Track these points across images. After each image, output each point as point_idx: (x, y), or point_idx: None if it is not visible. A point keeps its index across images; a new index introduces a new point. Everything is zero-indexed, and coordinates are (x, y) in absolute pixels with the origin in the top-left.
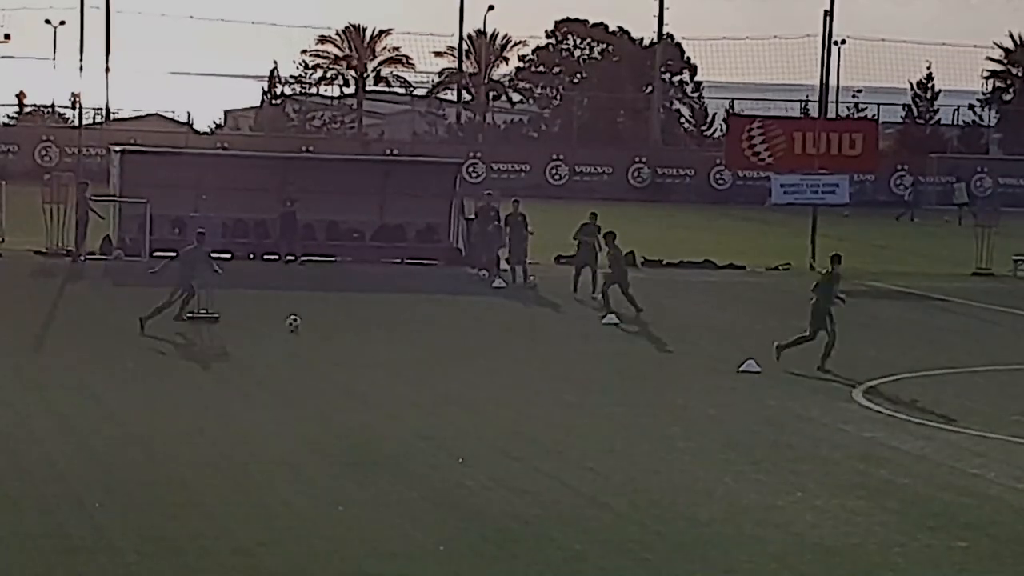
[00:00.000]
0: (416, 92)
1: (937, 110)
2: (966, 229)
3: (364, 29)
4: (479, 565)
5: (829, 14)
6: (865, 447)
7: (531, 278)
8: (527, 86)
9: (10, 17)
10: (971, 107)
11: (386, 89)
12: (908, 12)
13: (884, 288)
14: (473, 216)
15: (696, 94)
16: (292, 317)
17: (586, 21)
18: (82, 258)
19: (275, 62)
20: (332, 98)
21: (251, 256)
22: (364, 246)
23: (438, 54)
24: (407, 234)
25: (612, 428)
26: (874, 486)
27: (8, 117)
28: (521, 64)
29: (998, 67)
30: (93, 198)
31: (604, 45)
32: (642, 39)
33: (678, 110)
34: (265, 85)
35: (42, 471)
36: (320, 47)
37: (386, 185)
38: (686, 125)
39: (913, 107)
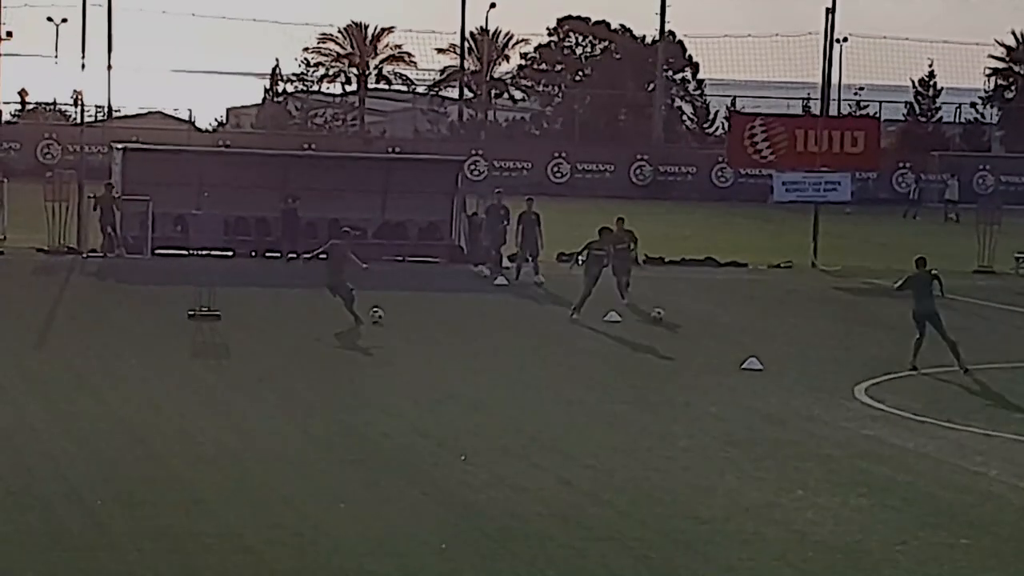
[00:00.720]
0: (418, 90)
1: (939, 108)
2: (967, 227)
3: (366, 27)
4: (480, 563)
5: (831, 12)
6: (867, 445)
7: (538, 277)
8: (529, 84)
9: (12, 15)
10: (973, 105)
11: (388, 87)
12: (910, 10)
13: (886, 286)
14: (475, 213)
15: (698, 92)
16: (375, 309)
17: (588, 19)
18: (115, 254)
19: (277, 60)
20: (334, 96)
21: (253, 254)
22: (366, 244)
23: (440, 52)
24: (409, 232)
25: (613, 426)
26: (876, 484)
27: (10, 115)
28: (523, 62)
29: (1000, 65)
30: (119, 197)
31: (606, 43)
32: (644, 37)
33: (680, 108)
34: (267, 83)
35: (43, 468)
36: (322, 45)
37: (388, 183)
38: (688, 123)
39: (915, 105)
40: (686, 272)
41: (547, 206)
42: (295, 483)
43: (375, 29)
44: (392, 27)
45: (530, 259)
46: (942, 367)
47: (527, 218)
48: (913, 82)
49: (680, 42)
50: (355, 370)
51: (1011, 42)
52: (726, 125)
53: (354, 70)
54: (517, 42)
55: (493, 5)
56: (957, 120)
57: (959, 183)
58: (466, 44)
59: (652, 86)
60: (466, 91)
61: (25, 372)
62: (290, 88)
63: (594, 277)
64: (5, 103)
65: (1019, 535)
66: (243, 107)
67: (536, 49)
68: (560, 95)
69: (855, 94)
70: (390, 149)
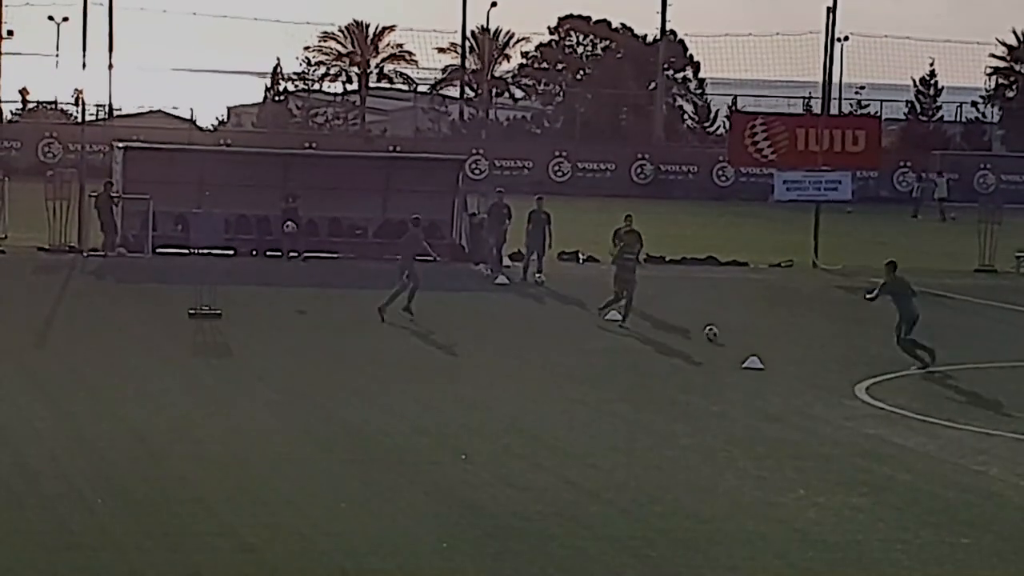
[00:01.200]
0: (419, 89)
1: (940, 107)
2: (967, 226)
3: (367, 26)
4: (481, 561)
5: (832, 11)
6: (867, 444)
7: (539, 275)
8: (530, 83)
9: (13, 13)
10: (974, 104)
11: (389, 86)
12: (911, 9)
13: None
14: (474, 213)
15: (699, 91)
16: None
17: (589, 18)
18: (114, 253)
19: (278, 59)
20: (335, 95)
21: (254, 252)
22: (367, 242)
23: (441, 51)
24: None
25: (614, 425)
26: (876, 483)
27: (11, 113)
28: (524, 61)
29: (1001, 64)
30: (117, 196)
31: (607, 42)
32: (645, 36)
33: (681, 107)
34: (268, 82)
35: (44, 467)
36: (323, 44)
37: (389, 181)
38: (689, 122)
39: (916, 104)
40: (687, 271)
41: (548, 205)
42: (295, 482)
43: (376, 28)
44: (393, 26)
45: (536, 257)
46: (943, 366)
47: (536, 217)
48: (914, 81)
49: (681, 41)
50: (355, 369)
51: (1012, 41)
52: (727, 124)
53: (355, 69)
54: (518, 41)
55: (494, 4)
56: (958, 119)
57: (950, 181)
58: (467, 43)
59: (653, 85)
60: (467, 90)
61: (26, 371)
62: (291, 87)
63: (631, 281)
64: (6, 102)
65: (1020, 534)
66: (244, 106)
67: (537, 48)
68: (561, 94)
69: (856, 93)
70: (391, 148)
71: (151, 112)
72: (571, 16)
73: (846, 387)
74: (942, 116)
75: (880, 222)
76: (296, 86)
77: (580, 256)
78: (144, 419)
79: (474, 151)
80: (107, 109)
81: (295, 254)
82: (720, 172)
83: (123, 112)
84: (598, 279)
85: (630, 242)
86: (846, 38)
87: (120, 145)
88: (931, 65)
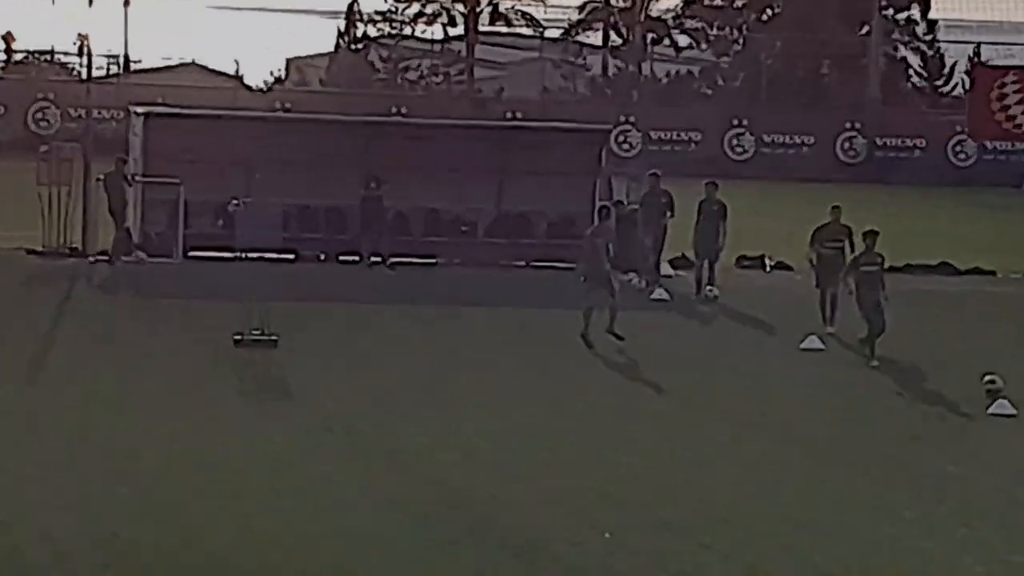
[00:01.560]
0: (547, 34)
1: None
2: None
3: None
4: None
5: None
6: None
7: (711, 288)
8: (698, 26)
9: None
10: None
11: (507, 30)
12: None
13: None
14: (620, 202)
15: (929, 37)
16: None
17: None
18: (132, 257)
19: None
20: (433, 42)
21: (322, 257)
22: (476, 243)
23: None
24: (535, 227)
25: (814, 490)
26: None
27: None
28: None
29: None
30: (134, 177)
31: None
32: None
33: (904, 58)
34: (341, 25)
35: (38, 550)
36: None
37: (506, 160)
38: (915, 79)
39: None
40: (913, 281)
41: (724, 193)
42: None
43: None
44: None
45: (708, 265)
46: None
47: (707, 209)
48: None
49: None
50: (446, 413)
51: None
52: (967, 82)
53: (460, 7)
54: None
55: None
56: None
57: None
58: None
59: (866, 29)
60: (613, 36)
61: (12, 416)
62: (373, 32)
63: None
64: None
65: None
66: (309, 57)
67: None
68: (740, 41)
69: None
70: (509, 114)
71: (182, 65)
72: None
73: None
74: None
75: None
76: (380, 31)
77: (767, 262)
78: (171, 483)
79: (622, 119)
80: (121, 61)
81: (378, 259)
82: (958, 147)
83: (144, 66)
84: (791, 292)
85: (836, 232)
86: None
87: (140, 110)
88: None
